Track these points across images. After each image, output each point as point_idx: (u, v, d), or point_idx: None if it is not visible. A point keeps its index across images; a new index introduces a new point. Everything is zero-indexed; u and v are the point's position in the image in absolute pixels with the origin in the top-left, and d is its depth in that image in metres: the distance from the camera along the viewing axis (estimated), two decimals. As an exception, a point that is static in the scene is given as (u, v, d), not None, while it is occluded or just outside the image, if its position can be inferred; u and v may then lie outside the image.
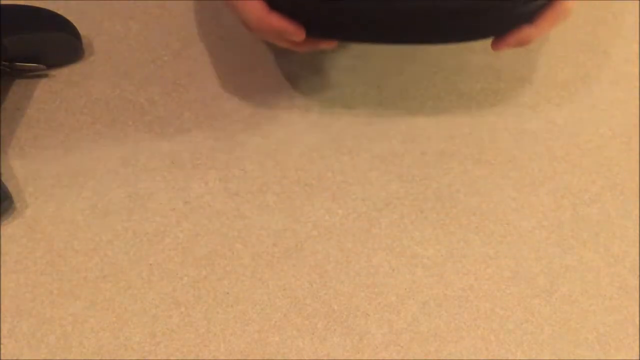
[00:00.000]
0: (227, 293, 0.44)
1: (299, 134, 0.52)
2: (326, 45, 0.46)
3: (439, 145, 0.51)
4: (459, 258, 0.46)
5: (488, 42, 0.48)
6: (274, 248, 0.46)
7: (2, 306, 0.44)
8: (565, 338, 0.43)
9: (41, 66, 0.54)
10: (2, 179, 0.48)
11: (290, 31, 0.43)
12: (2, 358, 0.42)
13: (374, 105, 0.53)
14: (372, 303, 0.44)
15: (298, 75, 0.55)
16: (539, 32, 0.45)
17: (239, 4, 0.44)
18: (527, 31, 0.44)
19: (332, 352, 0.42)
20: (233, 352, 0.42)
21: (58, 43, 0.54)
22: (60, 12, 0.55)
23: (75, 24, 0.55)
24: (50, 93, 0.54)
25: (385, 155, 0.51)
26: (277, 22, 0.43)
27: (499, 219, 0.48)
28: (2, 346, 0.42)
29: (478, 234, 0.47)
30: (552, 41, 0.58)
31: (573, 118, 0.54)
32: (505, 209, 0.48)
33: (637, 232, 0.47)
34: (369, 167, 0.50)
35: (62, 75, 0.55)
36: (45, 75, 0.55)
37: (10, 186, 0.48)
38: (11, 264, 0.45)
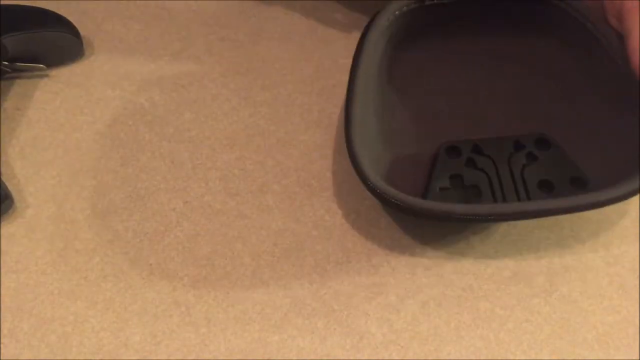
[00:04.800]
0: (227, 293, 0.44)
1: (299, 134, 0.52)
2: None
3: (439, 145, 0.51)
4: (459, 258, 0.46)
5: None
6: (274, 248, 0.46)
7: (2, 306, 0.44)
8: (565, 338, 0.43)
9: (41, 66, 0.54)
10: (2, 179, 0.48)
11: None
12: (2, 358, 0.42)
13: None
14: (372, 303, 0.44)
15: (295, 76, 0.55)
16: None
17: None
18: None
19: (332, 352, 0.42)
20: (233, 352, 0.42)
21: (58, 43, 0.54)
22: (60, 12, 0.55)
23: (75, 24, 0.55)
24: (50, 93, 0.54)
25: (385, 155, 0.51)
26: None
27: (499, 219, 0.48)
28: (2, 346, 0.42)
29: (478, 233, 0.47)
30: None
31: (573, 118, 0.54)
32: (505, 209, 0.48)
33: (637, 232, 0.47)
34: (369, 167, 0.50)
35: (62, 75, 0.55)
36: (46, 75, 0.55)
37: (10, 186, 0.48)
38: (11, 264, 0.45)
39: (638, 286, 0.45)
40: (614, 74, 0.46)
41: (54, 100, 0.53)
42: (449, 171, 0.45)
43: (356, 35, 0.49)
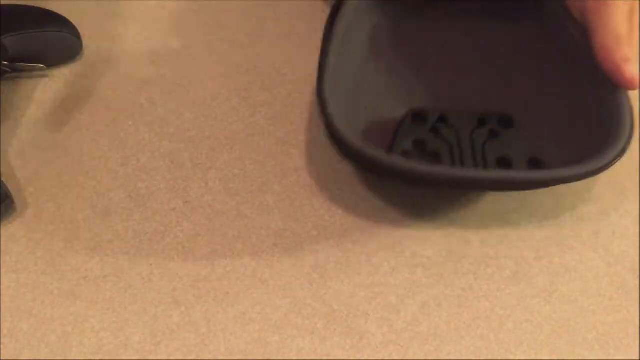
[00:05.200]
0: (227, 293, 0.44)
1: (299, 134, 0.52)
2: None
3: (439, 145, 0.51)
4: (459, 258, 0.46)
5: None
6: (274, 248, 0.46)
7: (2, 306, 0.44)
8: (565, 338, 0.43)
9: (41, 66, 0.54)
10: (2, 179, 0.48)
11: None
12: (2, 358, 0.42)
13: (374, 105, 0.53)
14: (372, 303, 0.44)
15: (295, 76, 0.55)
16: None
17: None
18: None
19: (332, 352, 0.42)
20: (233, 352, 0.42)
21: (58, 43, 0.54)
22: (60, 12, 0.55)
23: (75, 24, 0.55)
24: (50, 93, 0.54)
25: (385, 155, 0.51)
26: None
27: (498, 218, 0.48)
28: (2, 346, 0.42)
29: (478, 233, 0.47)
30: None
31: (573, 118, 0.54)
32: (505, 208, 0.48)
33: (637, 232, 0.47)
34: (369, 167, 0.50)
35: (62, 75, 0.55)
36: (45, 75, 0.55)
37: (10, 186, 0.48)
38: (11, 264, 0.45)
39: (638, 286, 0.45)
40: (587, 65, 0.47)
41: (54, 100, 0.53)
42: (413, 136, 0.47)
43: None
